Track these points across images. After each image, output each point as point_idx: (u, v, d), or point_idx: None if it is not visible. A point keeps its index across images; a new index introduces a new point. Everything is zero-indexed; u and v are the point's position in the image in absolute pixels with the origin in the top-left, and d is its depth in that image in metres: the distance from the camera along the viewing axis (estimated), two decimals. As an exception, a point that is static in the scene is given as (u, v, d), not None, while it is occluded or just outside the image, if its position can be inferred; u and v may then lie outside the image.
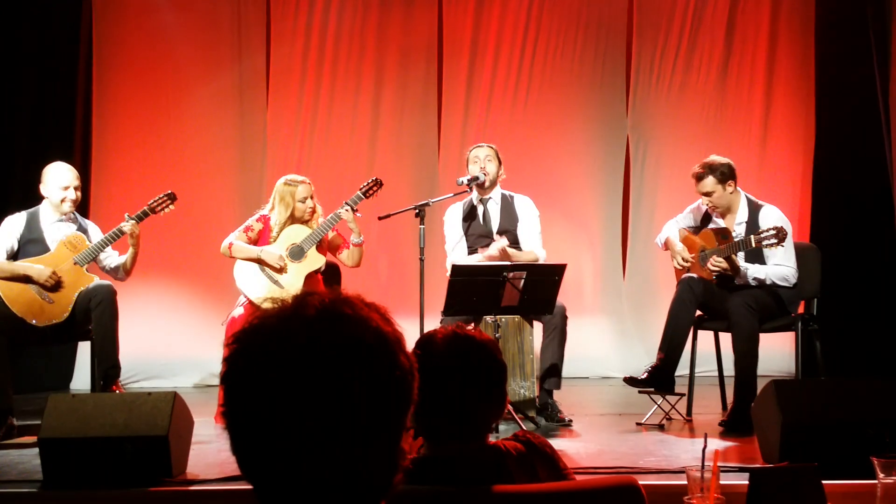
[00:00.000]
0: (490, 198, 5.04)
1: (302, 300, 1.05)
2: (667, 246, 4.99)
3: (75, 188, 4.68)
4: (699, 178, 4.68)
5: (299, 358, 0.99)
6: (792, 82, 6.59)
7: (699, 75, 6.63)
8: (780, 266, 4.60)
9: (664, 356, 4.56)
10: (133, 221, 4.68)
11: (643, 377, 4.54)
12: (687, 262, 4.80)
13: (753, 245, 4.41)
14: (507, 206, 5.04)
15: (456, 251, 5.03)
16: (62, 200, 4.64)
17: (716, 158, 4.72)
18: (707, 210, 4.81)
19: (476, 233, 5.00)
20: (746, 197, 4.75)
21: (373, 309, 1.07)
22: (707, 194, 4.67)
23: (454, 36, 6.68)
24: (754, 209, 4.70)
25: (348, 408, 0.99)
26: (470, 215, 5.06)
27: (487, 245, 4.92)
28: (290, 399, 0.98)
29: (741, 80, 6.61)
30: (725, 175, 4.66)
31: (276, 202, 4.93)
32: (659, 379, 4.53)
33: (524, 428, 4.12)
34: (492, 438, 1.86)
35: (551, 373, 4.58)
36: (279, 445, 0.99)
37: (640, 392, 4.64)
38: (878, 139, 5.94)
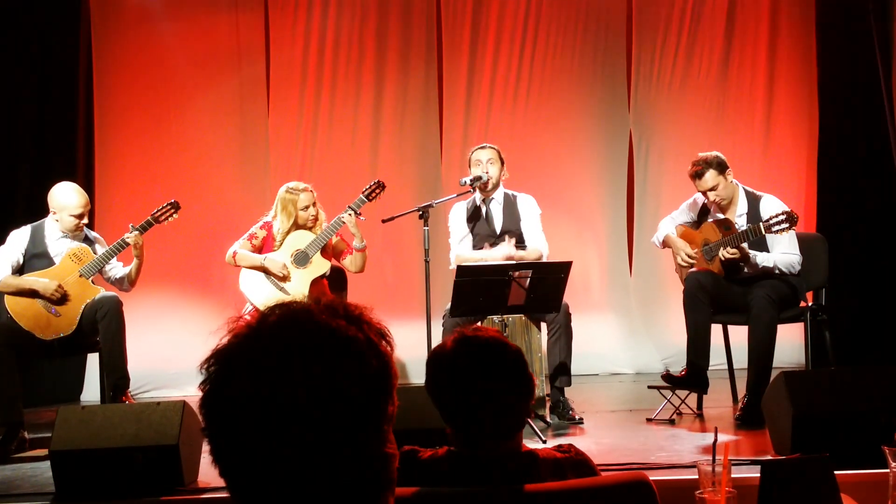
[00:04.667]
0: (493, 198, 5.04)
1: (264, 313, 1.07)
2: (665, 244, 4.97)
3: (87, 212, 4.71)
4: (699, 174, 4.64)
5: (257, 372, 1.01)
6: (794, 73, 6.55)
7: (700, 69, 6.59)
8: (786, 254, 4.59)
9: (692, 361, 4.54)
10: (136, 232, 4.69)
11: (680, 375, 4.55)
12: (692, 258, 4.78)
13: (763, 232, 4.40)
14: (510, 206, 5.04)
15: (463, 244, 5.03)
16: (76, 227, 4.66)
17: (704, 153, 4.70)
18: (710, 205, 4.76)
19: (480, 233, 5.00)
20: (744, 188, 4.74)
21: (339, 313, 1.06)
22: (712, 189, 4.64)
23: (453, 37, 6.67)
24: (754, 200, 4.69)
25: (310, 417, 0.99)
26: (474, 215, 5.05)
27: (493, 244, 4.93)
28: (256, 411, 1.00)
29: (742, 72, 6.57)
30: (722, 165, 4.64)
31: (279, 210, 4.93)
32: (695, 378, 4.54)
33: (535, 427, 4.11)
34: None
35: (560, 371, 4.60)
36: (251, 456, 1.00)
37: (649, 387, 4.68)
38: (883, 128, 5.92)
